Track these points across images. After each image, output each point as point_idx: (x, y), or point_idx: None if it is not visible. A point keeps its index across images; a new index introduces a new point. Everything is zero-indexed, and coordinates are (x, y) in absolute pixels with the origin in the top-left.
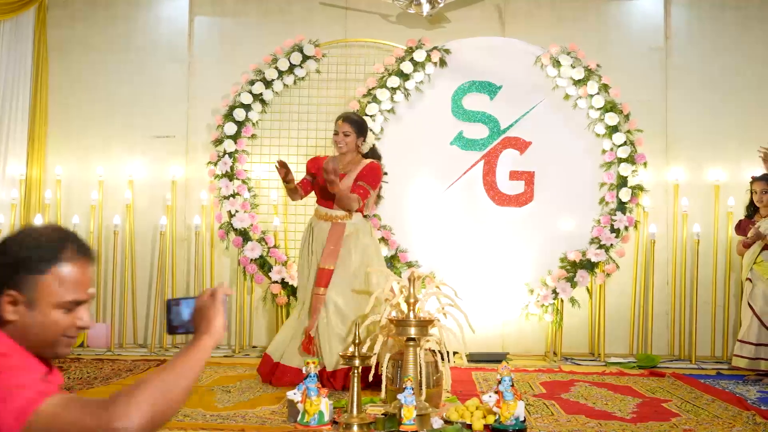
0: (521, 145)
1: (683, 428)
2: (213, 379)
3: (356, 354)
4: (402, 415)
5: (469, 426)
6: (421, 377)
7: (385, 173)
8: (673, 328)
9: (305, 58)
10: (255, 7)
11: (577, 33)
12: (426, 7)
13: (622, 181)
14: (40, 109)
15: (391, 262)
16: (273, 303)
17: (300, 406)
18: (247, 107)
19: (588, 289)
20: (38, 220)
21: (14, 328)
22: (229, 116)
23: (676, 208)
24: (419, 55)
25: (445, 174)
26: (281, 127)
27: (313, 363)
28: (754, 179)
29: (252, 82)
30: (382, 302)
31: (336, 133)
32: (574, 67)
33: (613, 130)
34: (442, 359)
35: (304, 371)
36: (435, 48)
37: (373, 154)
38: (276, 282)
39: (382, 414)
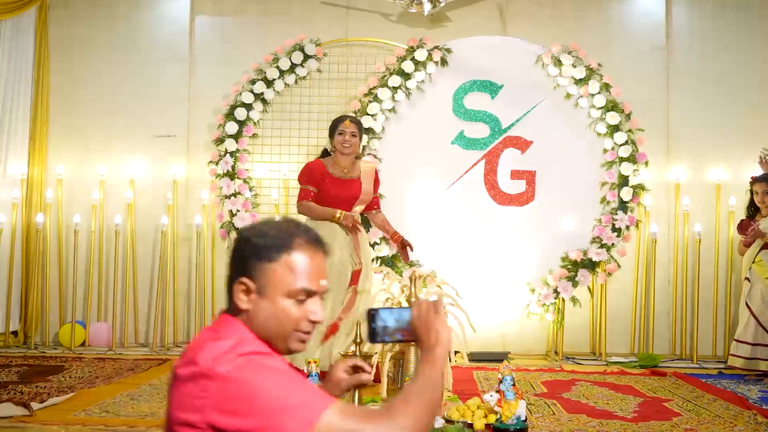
0: (522, 145)
1: (685, 428)
2: None
3: (357, 353)
4: None
5: (471, 425)
6: None
7: None
8: (674, 328)
9: (306, 57)
10: (256, 7)
11: (579, 32)
12: (427, 7)
13: (624, 181)
14: (41, 109)
15: (393, 261)
16: None
17: None
18: (249, 106)
19: (589, 289)
20: (40, 220)
21: (247, 318)
22: (230, 115)
23: (677, 208)
24: (420, 55)
25: (446, 173)
26: (282, 127)
27: (315, 362)
28: (755, 180)
29: (253, 82)
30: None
31: (342, 133)
32: (575, 67)
33: (615, 129)
34: None
35: (305, 370)
36: (436, 47)
37: (357, 156)
38: None
39: None
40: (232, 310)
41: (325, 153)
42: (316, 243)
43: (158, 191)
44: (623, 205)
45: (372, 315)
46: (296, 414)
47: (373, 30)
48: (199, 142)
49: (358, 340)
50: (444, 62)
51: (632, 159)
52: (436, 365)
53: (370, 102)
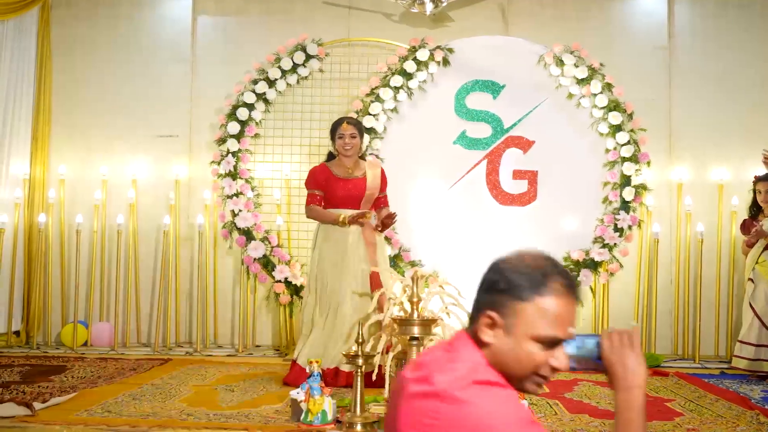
0: (524, 144)
1: (687, 428)
2: (216, 378)
3: (360, 353)
4: None
5: None
6: None
7: None
8: (676, 328)
9: (308, 57)
10: (258, 7)
11: (581, 32)
12: (429, 6)
13: (626, 180)
14: (43, 109)
15: (395, 261)
16: (276, 302)
17: (303, 405)
18: (251, 106)
19: (591, 289)
20: (42, 219)
21: (489, 352)
22: (232, 115)
23: (679, 207)
24: (422, 54)
25: (448, 173)
26: (284, 127)
27: (317, 362)
28: (758, 179)
29: (255, 82)
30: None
31: (341, 137)
32: (577, 66)
33: (617, 129)
34: None
35: (307, 370)
36: (438, 47)
37: (362, 156)
38: (279, 281)
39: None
40: (473, 332)
41: (331, 156)
42: (571, 288)
43: (160, 191)
44: (625, 205)
45: (572, 343)
46: None
47: (375, 30)
48: (201, 142)
49: (360, 340)
50: (446, 62)
51: (634, 159)
52: (636, 408)
53: (372, 102)
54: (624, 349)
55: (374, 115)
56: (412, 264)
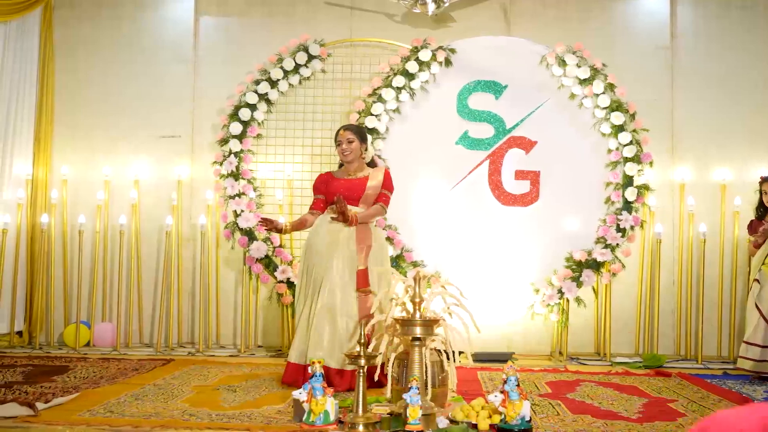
0: (527, 145)
1: (689, 428)
2: (218, 378)
3: (362, 354)
4: (407, 415)
5: (475, 426)
6: (426, 377)
7: None
8: (679, 328)
9: (310, 57)
10: (260, 7)
11: (583, 32)
12: (431, 7)
13: (628, 181)
14: (46, 109)
15: (397, 261)
16: (278, 302)
17: (305, 405)
18: (253, 107)
19: (594, 289)
20: (44, 220)
21: None
22: (234, 116)
23: (682, 208)
24: (424, 55)
25: (451, 173)
26: (286, 127)
27: (319, 362)
28: (764, 179)
29: (257, 82)
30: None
31: (339, 144)
32: (579, 67)
33: (619, 129)
34: (448, 359)
35: (309, 371)
36: (440, 47)
37: (372, 163)
38: (281, 282)
39: (387, 413)
40: None
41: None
42: None
43: (163, 192)
44: (628, 206)
45: None
46: None
47: (377, 30)
48: (203, 143)
49: (362, 341)
50: (448, 62)
51: (637, 159)
52: None
53: (374, 102)
54: None
55: (376, 116)
56: (415, 264)
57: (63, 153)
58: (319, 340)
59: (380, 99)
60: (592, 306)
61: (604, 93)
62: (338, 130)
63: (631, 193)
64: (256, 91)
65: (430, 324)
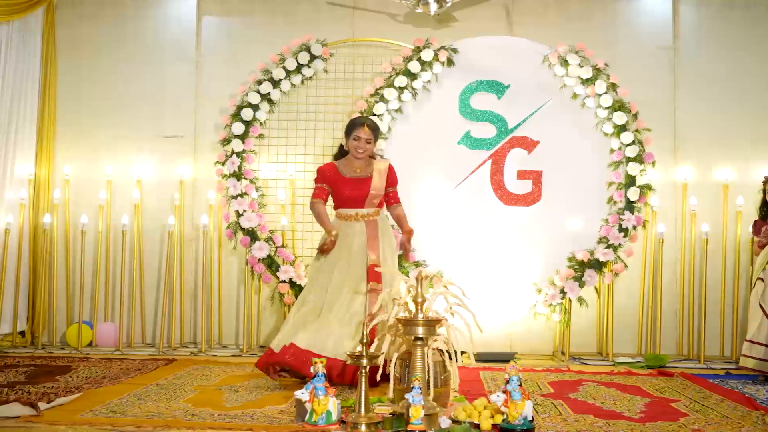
0: (529, 145)
1: (692, 428)
2: (221, 378)
3: (364, 353)
4: (410, 415)
5: (477, 426)
6: (428, 377)
7: None
8: (681, 328)
9: (313, 57)
10: (262, 7)
11: (585, 32)
12: (433, 7)
13: (631, 181)
14: (48, 109)
15: (399, 261)
16: (281, 302)
17: (308, 405)
18: (255, 107)
19: (596, 289)
20: (47, 220)
21: None
22: (236, 116)
23: (684, 208)
24: (427, 55)
25: (453, 173)
26: (289, 127)
27: (321, 362)
28: (767, 179)
29: (260, 82)
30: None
31: (357, 139)
32: (582, 66)
33: (621, 129)
34: (450, 359)
35: (311, 371)
36: (442, 47)
37: (372, 155)
38: (284, 281)
39: (389, 413)
40: None
41: (341, 150)
42: None
43: (165, 191)
44: (630, 205)
45: None
46: None
47: (379, 30)
48: (205, 143)
49: (365, 340)
50: (450, 62)
51: (639, 159)
52: None
53: (377, 102)
54: None
55: (379, 116)
56: (417, 264)
57: (65, 153)
58: (327, 333)
59: (382, 99)
60: (595, 306)
61: (606, 93)
62: (360, 124)
63: (633, 193)
64: (258, 91)
65: (432, 324)
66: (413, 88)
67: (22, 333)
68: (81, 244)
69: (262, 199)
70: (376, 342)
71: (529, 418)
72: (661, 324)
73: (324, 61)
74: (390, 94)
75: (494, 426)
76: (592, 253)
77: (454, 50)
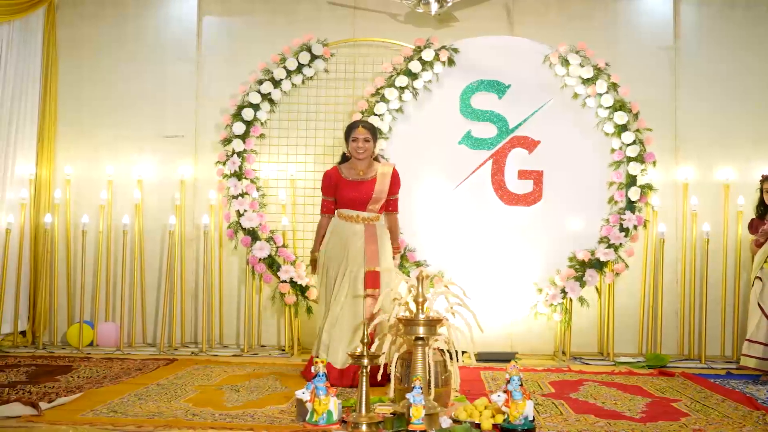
0: (530, 145)
1: (693, 428)
2: (222, 378)
3: (365, 353)
4: (411, 415)
5: (478, 425)
6: (429, 376)
7: None
8: (682, 328)
9: (314, 57)
10: (263, 7)
11: (586, 32)
12: (434, 7)
13: (631, 180)
14: (49, 109)
15: (400, 261)
16: (282, 302)
17: (309, 405)
18: (256, 107)
19: (597, 289)
20: (48, 220)
21: None
22: (237, 116)
23: (685, 207)
24: (427, 54)
25: (454, 173)
26: (290, 127)
27: (322, 362)
28: (765, 178)
29: (260, 82)
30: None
31: (355, 140)
32: (582, 66)
33: (622, 129)
34: (451, 358)
35: (313, 371)
36: (443, 47)
37: (376, 158)
38: (284, 281)
39: (390, 413)
40: None
41: (344, 157)
42: None
43: (166, 191)
44: (631, 205)
45: None
46: None
47: (380, 30)
48: (206, 143)
49: (366, 341)
50: (451, 62)
51: (640, 159)
52: None
53: (378, 102)
54: None
55: (379, 116)
56: (418, 264)
57: (66, 153)
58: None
59: (383, 99)
60: (596, 306)
61: (607, 92)
62: (356, 126)
63: (634, 193)
64: (259, 91)
65: (433, 324)
66: (414, 88)
67: (23, 333)
68: (82, 244)
69: (263, 199)
70: (376, 342)
71: (530, 418)
72: (662, 324)
73: (325, 61)
74: (391, 93)
75: (495, 426)
76: (593, 252)
77: (455, 50)
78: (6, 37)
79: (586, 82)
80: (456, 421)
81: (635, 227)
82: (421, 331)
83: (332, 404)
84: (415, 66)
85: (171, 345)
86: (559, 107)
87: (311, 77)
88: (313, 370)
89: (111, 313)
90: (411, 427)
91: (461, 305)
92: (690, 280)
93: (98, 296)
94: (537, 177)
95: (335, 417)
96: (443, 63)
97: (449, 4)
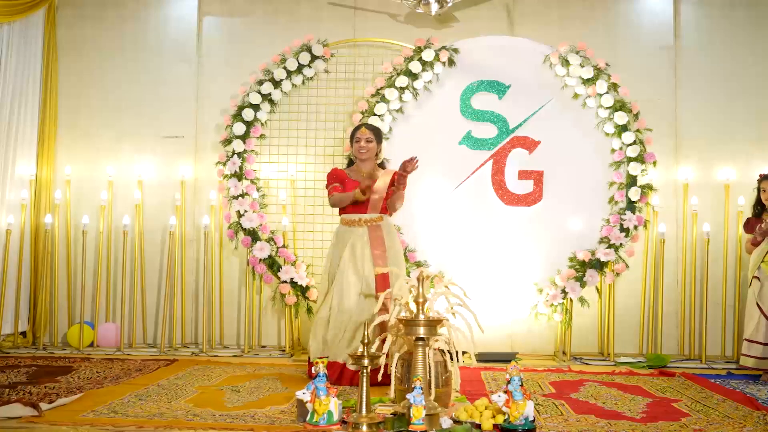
0: (530, 145)
1: (693, 428)
2: (222, 378)
3: (365, 354)
4: (411, 415)
5: (479, 426)
6: (430, 377)
7: None
8: (682, 328)
9: (314, 57)
10: (263, 7)
11: (586, 32)
12: (434, 7)
13: (632, 181)
14: (49, 110)
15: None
16: (282, 303)
17: (309, 405)
18: (256, 107)
19: (597, 289)
20: (48, 220)
21: None
22: (237, 116)
23: (685, 207)
24: (428, 55)
25: (454, 173)
26: (290, 127)
27: (323, 362)
28: (763, 177)
29: (261, 82)
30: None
31: (358, 141)
32: (583, 66)
33: (623, 129)
34: (451, 359)
35: (313, 371)
36: (443, 47)
37: (382, 165)
38: (285, 282)
39: (391, 414)
40: None
41: (351, 163)
42: None
43: (166, 192)
44: (631, 205)
45: None
46: None
47: (380, 30)
48: (206, 143)
49: (366, 341)
50: (451, 62)
51: (640, 159)
52: None
53: (378, 102)
54: None
55: (379, 116)
56: (418, 264)
57: (66, 153)
58: (341, 340)
59: (383, 99)
60: (596, 306)
61: (607, 93)
62: (359, 127)
63: (634, 193)
64: (259, 92)
65: (433, 324)
66: (414, 89)
67: (24, 333)
68: (82, 245)
69: (263, 200)
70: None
71: (531, 419)
72: (662, 324)
73: (325, 62)
74: (391, 94)
75: (495, 426)
76: (593, 253)
77: (455, 50)
78: (6, 38)
79: (587, 82)
80: (456, 421)
81: (635, 227)
82: (421, 331)
83: (332, 405)
84: (415, 66)
85: (171, 345)
86: (560, 107)
87: (311, 78)
88: (313, 371)
89: (111, 314)
90: (411, 428)
91: (462, 305)
92: (690, 280)
93: (99, 297)
94: (537, 177)
95: (336, 417)
96: (443, 63)
97: (449, 5)
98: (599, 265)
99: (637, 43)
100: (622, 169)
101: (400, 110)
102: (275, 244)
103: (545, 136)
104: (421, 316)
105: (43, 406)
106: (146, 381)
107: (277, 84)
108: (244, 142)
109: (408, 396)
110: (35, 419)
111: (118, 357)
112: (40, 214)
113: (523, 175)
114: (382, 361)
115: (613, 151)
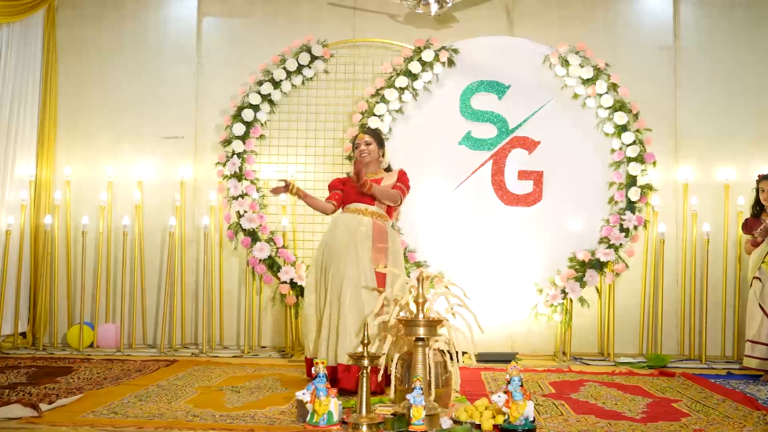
0: (530, 145)
1: (693, 428)
2: (222, 379)
3: (365, 354)
4: (411, 415)
5: (479, 426)
6: (430, 377)
7: None
8: (682, 328)
9: (313, 58)
10: (263, 8)
11: (586, 32)
12: (434, 7)
13: (632, 181)
14: (49, 110)
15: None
16: (282, 303)
17: (309, 406)
18: (256, 108)
19: (597, 289)
20: (48, 221)
21: None
22: (237, 117)
23: (685, 208)
24: (427, 55)
25: (454, 174)
26: (289, 128)
27: (323, 363)
28: (762, 177)
29: (260, 83)
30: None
31: (358, 146)
32: (582, 67)
33: (622, 129)
34: (451, 359)
35: (313, 371)
36: (443, 48)
37: (389, 169)
38: (285, 282)
39: (391, 414)
40: None
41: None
42: None
43: (166, 192)
44: (631, 205)
45: None
46: None
47: (380, 31)
48: (206, 143)
49: (366, 341)
50: (451, 63)
51: (640, 159)
52: None
53: (377, 103)
54: None
55: (379, 116)
56: (418, 265)
57: (66, 154)
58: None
59: (383, 99)
60: (596, 306)
61: (607, 93)
62: (356, 134)
63: (634, 193)
64: (259, 92)
65: (433, 324)
66: (414, 89)
67: (23, 334)
68: (82, 245)
69: (263, 200)
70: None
71: (531, 419)
72: (662, 324)
73: (325, 62)
74: (391, 94)
75: (495, 426)
76: (593, 253)
77: (455, 50)
78: (6, 38)
79: (586, 82)
80: (456, 421)
81: (635, 227)
82: (421, 331)
83: (332, 405)
84: (415, 67)
85: (171, 346)
86: (559, 108)
87: (311, 78)
88: (313, 371)
89: (111, 314)
90: (411, 428)
91: (461, 306)
92: (690, 280)
93: (98, 297)
94: (537, 177)
95: (335, 418)
96: (443, 64)
97: (449, 5)
98: (599, 266)
99: (636, 43)
100: (621, 169)
101: (399, 110)
102: (275, 244)
103: (545, 137)
104: (421, 317)
105: (43, 406)
106: (146, 381)
107: (276, 84)
108: (244, 143)
109: (408, 396)
110: (35, 420)
111: (117, 357)
112: (40, 214)
113: (523, 175)
114: (382, 362)
115: (612, 151)
